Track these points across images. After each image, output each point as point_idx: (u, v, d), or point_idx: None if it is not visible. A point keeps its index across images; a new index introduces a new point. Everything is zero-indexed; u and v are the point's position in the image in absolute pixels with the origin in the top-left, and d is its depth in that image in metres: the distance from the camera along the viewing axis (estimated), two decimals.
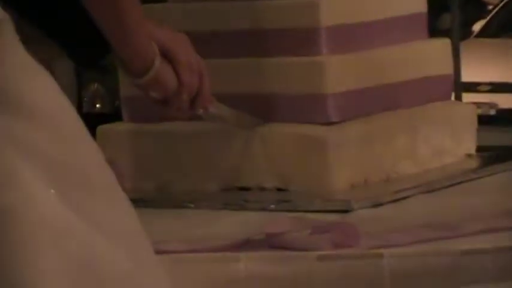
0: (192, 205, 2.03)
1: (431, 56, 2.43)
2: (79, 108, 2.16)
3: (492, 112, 7.91)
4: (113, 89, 2.29)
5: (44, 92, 1.17)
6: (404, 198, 2.03)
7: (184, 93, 1.65)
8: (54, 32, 1.98)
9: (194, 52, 1.68)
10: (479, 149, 2.46)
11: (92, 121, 1.58)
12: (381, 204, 1.94)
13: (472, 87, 7.28)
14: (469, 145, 2.39)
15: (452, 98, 3.66)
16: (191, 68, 1.66)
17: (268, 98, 2.15)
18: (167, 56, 1.61)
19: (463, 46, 5.34)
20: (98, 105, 2.91)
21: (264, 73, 2.17)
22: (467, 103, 3.16)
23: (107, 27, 1.55)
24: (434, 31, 3.19)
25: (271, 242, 1.69)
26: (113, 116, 2.53)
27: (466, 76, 4.86)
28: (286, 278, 1.66)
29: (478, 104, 3.34)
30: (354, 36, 2.16)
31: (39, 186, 1.05)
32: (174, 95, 1.65)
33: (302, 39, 2.14)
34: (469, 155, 2.38)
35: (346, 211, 1.90)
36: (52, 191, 1.05)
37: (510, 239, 1.90)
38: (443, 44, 2.64)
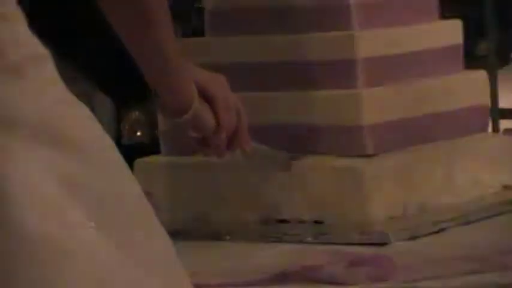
0: (229, 237, 2.05)
1: (468, 87, 2.41)
2: (119, 137, 2.38)
3: None
4: (153, 117, 2.32)
5: (82, 125, 1.22)
6: (441, 230, 2.10)
7: (222, 133, 1.66)
8: (95, 76, 2.15)
9: (231, 92, 1.72)
10: None
11: (132, 150, 1.63)
12: (418, 237, 1.99)
13: (511, 113, 7.12)
14: (507, 176, 2.35)
15: (490, 126, 3.66)
16: (229, 108, 1.68)
17: (306, 129, 2.17)
18: (205, 96, 1.61)
19: (502, 72, 5.42)
20: (138, 133, 2.95)
21: (302, 105, 2.18)
22: (504, 135, 3.14)
23: (148, 68, 1.63)
24: (472, 58, 3.19)
25: (308, 276, 1.77)
26: (153, 145, 2.62)
27: (505, 102, 4.88)
28: None
29: None
30: (389, 68, 2.17)
31: (79, 217, 1.15)
32: (212, 135, 1.72)
33: (339, 72, 2.15)
34: (506, 186, 2.34)
35: (383, 244, 1.94)
36: (92, 223, 1.15)
37: None
38: (479, 76, 2.62)
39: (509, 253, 1.93)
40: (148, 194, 1.18)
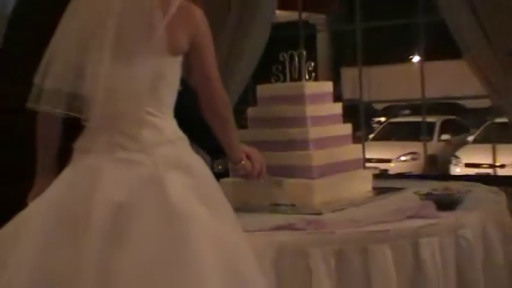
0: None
1: None
2: (212, 168, 3.17)
3: None
4: (226, 162, 3.54)
5: (196, 161, 2.42)
6: (343, 209, 3.25)
7: (255, 172, 3.03)
8: (204, 145, 3.15)
9: (260, 155, 3.06)
10: None
11: (217, 175, 2.65)
12: (334, 211, 3.17)
13: None
14: None
15: None
16: (258, 162, 3.03)
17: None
18: (248, 157, 3.00)
19: None
20: (219, 167, 4.22)
21: None
22: None
23: (224, 144, 2.86)
24: None
25: (291, 228, 2.87)
26: (226, 173, 3.54)
27: None
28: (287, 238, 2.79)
29: None
30: None
31: (197, 204, 2.25)
32: (250, 173, 3.03)
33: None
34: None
35: (319, 214, 3.11)
36: (203, 206, 2.26)
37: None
38: None
39: (378, 217, 3.01)
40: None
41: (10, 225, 2.44)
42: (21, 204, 2.58)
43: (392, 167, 12.51)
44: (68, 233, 2.33)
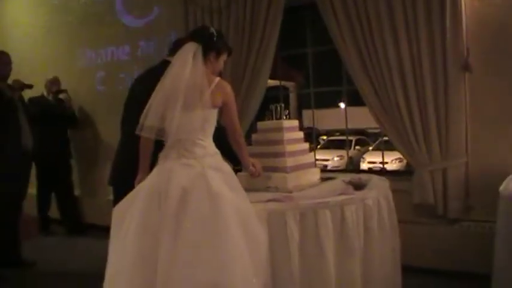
0: None
1: None
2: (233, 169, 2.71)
3: None
4: (241, 167, 3.08)
5: (225, 164, 2.61)
6: (304, 189, 3.15)
7: (256, 173, 2.95)
8: (228, 156, 2.84)
9: (259, 163, 2.97)
10: None
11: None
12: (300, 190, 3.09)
13: None
14: None
15: None
16: (258, 168, 2.96)
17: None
18: (253, 164, 2.93)
19: None
20: (237, 168, 3.43)
21: None
22: None
23: (240, 156, 2.84)
24: None
25: (280, 200, 2.83)
26: (240, 170, 3.26)
27: None
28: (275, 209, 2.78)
29: None
30: None
31: (226, 188, 2.47)
32: (254, 174, 2.95)
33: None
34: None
35: (291, 192, 3.03)
36: (228, 189, 2.47)
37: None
38: None
39: (330, 192, 2.95)
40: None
41: (129, 196, 2.63)
42: (132, 186, 2.76)
43: (330, 163, 14.00)
44: (156, 202, 2.43)
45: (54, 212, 6.32)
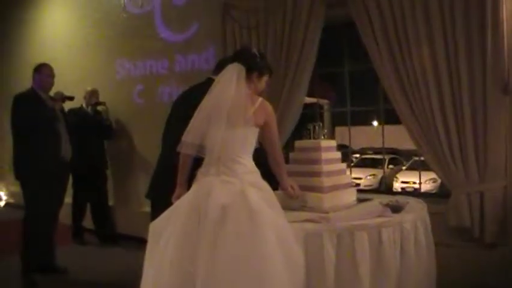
0: None
1: None
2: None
3: None
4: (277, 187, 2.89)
5: (263, 182, 2.57)
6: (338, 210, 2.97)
7: (294, 196, 2.90)
8: (266, 176, 2.71)
9: (297, 185, 2.91)
10: None
11: None
12: (334, 211, 2.93)
13: None
14: None
15: None
16: (296, 190, 2.91)
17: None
18: (291, 186, 2.87)
19: None
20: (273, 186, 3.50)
21: None
22: None
23: (278, 177, 2.80)
24: None
25: (315, 220, 2.75)
26: (276, 188, 2.93)
27: None
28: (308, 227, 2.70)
29: None
30: None
31: (265, 205, 2.43)
32: (292, 195, 2.90)
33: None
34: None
35: (327, 213, 2.87)
36: (267, 206, 2.43)
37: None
38: None
39: (371, 213, 2.88)
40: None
41: (167, 212, 2.62)
42: (170, 202, 2.75)
43: (362, 182, 14.09)
44: (196, 218, 2.42)
45: (88, 221, 6.34)
